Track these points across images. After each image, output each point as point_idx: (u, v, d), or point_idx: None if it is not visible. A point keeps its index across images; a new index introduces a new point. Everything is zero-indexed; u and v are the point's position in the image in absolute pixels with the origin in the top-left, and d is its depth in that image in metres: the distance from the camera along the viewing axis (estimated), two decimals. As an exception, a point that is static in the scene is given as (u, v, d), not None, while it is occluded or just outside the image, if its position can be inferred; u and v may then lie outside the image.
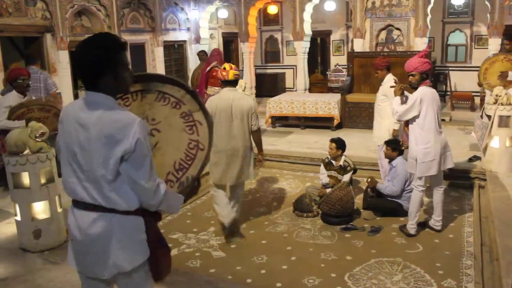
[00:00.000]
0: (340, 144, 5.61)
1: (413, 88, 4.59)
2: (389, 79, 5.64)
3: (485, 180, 6.01)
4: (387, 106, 5.57)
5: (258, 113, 4.83)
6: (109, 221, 1.99)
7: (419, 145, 4.51)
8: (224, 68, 4.74)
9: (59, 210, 4.30)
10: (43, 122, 5.02)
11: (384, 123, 5.74)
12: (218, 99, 4.66)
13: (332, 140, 5.68)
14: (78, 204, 2.05)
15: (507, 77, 7.09)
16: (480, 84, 7.64)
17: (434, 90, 4.58)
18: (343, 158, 5.63)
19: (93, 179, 1.97)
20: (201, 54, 9.00)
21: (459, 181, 6.27)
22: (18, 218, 4.15)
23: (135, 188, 1.99)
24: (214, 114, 4.44)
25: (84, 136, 1.95)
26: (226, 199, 4.77)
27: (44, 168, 4.11)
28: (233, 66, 4.82)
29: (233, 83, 4.75)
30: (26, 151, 4.11)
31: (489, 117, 6.06)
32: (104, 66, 1.95)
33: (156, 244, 2.12)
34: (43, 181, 4.11)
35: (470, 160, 6.64)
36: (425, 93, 4.46)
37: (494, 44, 8.93)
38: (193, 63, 11.89)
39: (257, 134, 4.79)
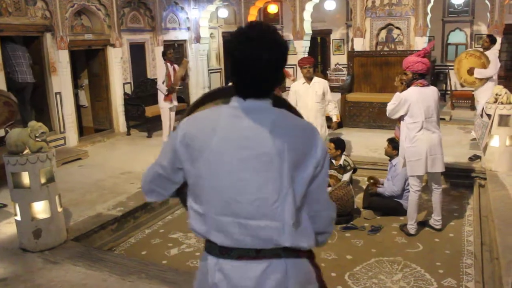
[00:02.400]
0: (338, 144, 5.61)
1: (407, 86, 4.58)
2: (319, 79, 6.05)
3: (485, 179, 6.00)
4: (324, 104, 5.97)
5: None
6: (285, 269, 1.48)
7: (407, 144, 4.54)
8: None
9: (59, 209, 4.30)
10: None
11: (322, 121, 5.96)
12: None
13: (331, 140, 5.69)
14: (231, 251, 1.48)
15: (473, 74, 7.18)
16: (462, 85, 7.74)
17: (426, 90, 4.46)
18: (343, 157, 5.63)
19: (266, 211, 1.44)
20: (169, 53, 8.46)
21: (459, 180, 6.27)
22: (18, 218, 4.14)
23: (319, 214, 1.55)
24: None
25: (252, 152, 1.45)
26: None
27: (44, 168, 4.10)
28: None
29: None
30: (26, 151, 4.11)
31: (489, 116, 6.05)
32: (282, 66, 1.53)
33: None
34: (43, 180, 4.10)
35: (470, 159, 6.64)
36: (411, 93, 4.43)
37: (495, 43, 8.91)
38: (193, 62, 11.89)
39: None
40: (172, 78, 7.99)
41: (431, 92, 4.49)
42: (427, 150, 4.45)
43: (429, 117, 4.44)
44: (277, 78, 1.51)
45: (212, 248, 1.52)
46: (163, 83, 8.03)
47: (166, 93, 8.06)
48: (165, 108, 8.21)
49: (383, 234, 4.87)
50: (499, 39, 8.85)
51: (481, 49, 7.44)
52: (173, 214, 5.63)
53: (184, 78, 8.57)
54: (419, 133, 4.45)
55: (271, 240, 1.45)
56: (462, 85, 7.87)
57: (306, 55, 11.20)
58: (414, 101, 4.41)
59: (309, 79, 5.86)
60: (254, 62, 1.45)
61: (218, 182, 1.47)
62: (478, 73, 7.16)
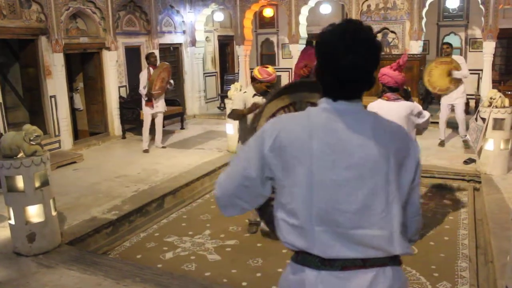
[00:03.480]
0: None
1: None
2: None
3: (480, 182, 6.03)
4: None
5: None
6: (391, 277, 1.39)
7: None
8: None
9: (54, 213, 4.28)
10: None
11: None
12: None
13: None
14: (335, 262, 1.37)
15: (450, 76, 7.43)
16: (437, 94, 7.98)
17: (391, 105, 4.08)
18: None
19: (374, 220, 1.36)
20: (152, 58, 8.20)
21: (454, 183, 6.29)
22: (12, 221, 4.12)
23: (412, 219, 1.48)
24: None
25: (357, 158, 1.35)
26: None
27: (38, 172, 4.08)
28: (269, 68, 4.69)
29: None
30: (20, 154, 4.09)
31: (483, 119, 6.09)
32: (376, 68, 1.43)
33: None
34: (37, 184, 4.08)
35: (465, 162, 6.66)
36: (373, 106, 4.22)
37: (489, 47, 8.96)
38: (189, 66, 11.89)
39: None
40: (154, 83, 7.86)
41: (397, 108, 4.07)
42: None
43: None
44: (371, 81, 1.43)
45: (311, 260, 1.40)
46: (144, 88, 7.91)
47: (146, 99, 7.96)
48: (146, 114, 8.13)
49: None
50: (493, 44, 8.92)
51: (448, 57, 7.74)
52: (168, 218, 5.61)
53: (170, 84, 8.31)
54: None
55: (380, 249, 1.37)
56: (437, 95, 8.01)
57: (301, 58, 11.25)
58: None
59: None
60: (351, 62, 1.36)
61: (319, 192, 1.35)
62: (457, 74, 7.47)
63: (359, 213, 1.34)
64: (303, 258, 1.42)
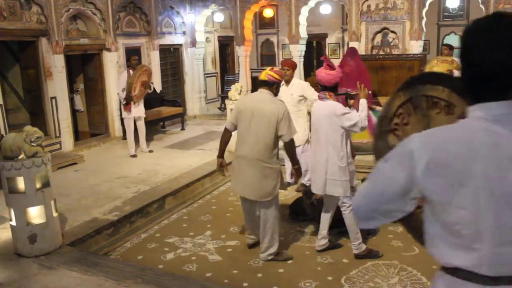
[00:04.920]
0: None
1: None
2: (298, 81, 5.98)
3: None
4: (303, 106, 5.94)
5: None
6: None
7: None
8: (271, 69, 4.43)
9: (55, 214, 4.28)
10: None
11: (302, 123, 5.82)
12: (246, 99, 4.34)
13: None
14: (501, 278, 1.30)
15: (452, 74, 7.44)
16: None
17: (319, 105, 4.23)
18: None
19: None
20: (133, 60, 8.11)
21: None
22: (13, 223, 4.12)
23: None
24: (239, 113, 4.23)
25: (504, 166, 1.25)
26: (250, 215, 4.51)
27: (39, 173, 4.09)
28: (274, 68, 4.45)
29: (265, 84, 4.26)
30: (21, 156, 4.10)
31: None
32: None
33: None
34: (38, 185, 4.09)
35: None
36: (314, 107, 4.37)
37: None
38: (189, 66, 11.90)
39: (288, 146, 4.20)
40: (133, 86, 7.62)
41: (322, 107, 4.19)
42: (308, 166, 4.38)
43: (314, 132, 4.28)
44: None
45: (474, 276, 1.31)
46: (123, 91, 7.71)
47: (124, 102, 7.75)
48: (126, 118, 7.90)
49: (379, 237, 4.88)
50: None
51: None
52: (169, 219, 5.62)
53: (148, 87, 8.06)
54: (304, 146, 4.38)
55: None
56: None
57: (302, 59, 11.27)
58: (313, 116, 4.32)
59: (286, 81, 5.80)
60: (501, 57, 1.24)
61: (489, 212, 1.26)
62: (458, 74, 7.42)
63: None
64: (464, 272, 1.33)
